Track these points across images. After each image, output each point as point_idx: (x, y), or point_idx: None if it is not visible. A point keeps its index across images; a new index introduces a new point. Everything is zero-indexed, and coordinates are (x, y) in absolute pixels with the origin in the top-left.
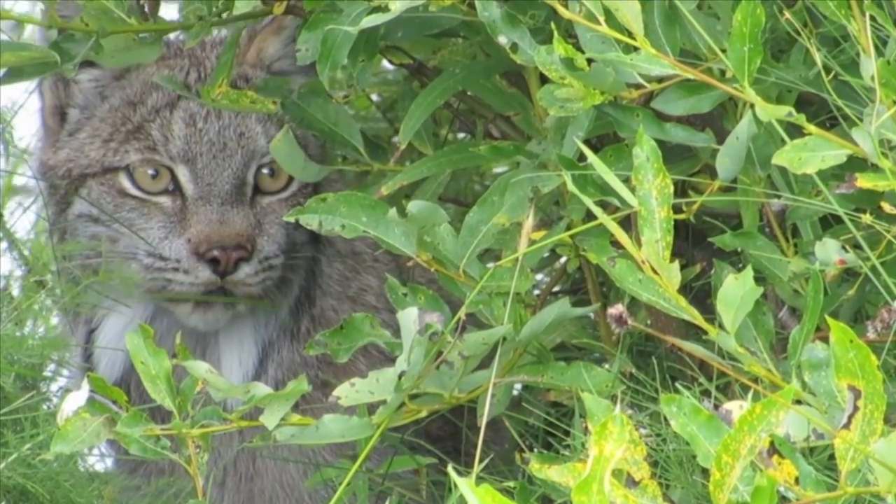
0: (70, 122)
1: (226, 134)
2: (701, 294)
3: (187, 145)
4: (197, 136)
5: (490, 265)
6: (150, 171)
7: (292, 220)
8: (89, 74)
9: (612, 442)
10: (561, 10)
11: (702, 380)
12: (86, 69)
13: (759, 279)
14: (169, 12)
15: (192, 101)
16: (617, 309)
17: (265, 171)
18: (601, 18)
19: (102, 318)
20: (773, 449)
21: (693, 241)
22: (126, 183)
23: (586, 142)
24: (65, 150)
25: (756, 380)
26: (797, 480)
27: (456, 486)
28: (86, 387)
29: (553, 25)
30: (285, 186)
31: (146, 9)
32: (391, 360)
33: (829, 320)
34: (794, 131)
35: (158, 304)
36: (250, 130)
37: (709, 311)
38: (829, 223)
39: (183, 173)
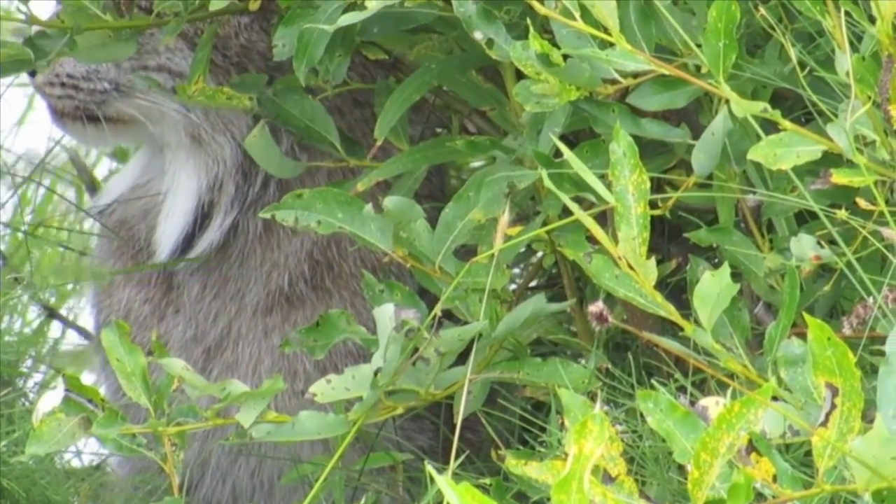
0: None
1: None
2: (676, 290)
3: None
4: None
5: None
6: None
7: (267, 216)
8: None
9: (591, 440)
10: (537, 6)
11: (678, 376)
12: None
13: (735, 275)
14: None
15: None
16: (597, 306)
17: None
18: (577, 14)
19: None
20: (751, 446)
21: (668, 237)
22: None
23: (562, 137)
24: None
25: (732, 376)
26: (775, 478)
27: (432, 482)
28: (61, 385)
29: (529, 21)
30: None
31: (122, 6)
32: None
33: (807, 317)
34: (770, 127)
35: None
36: None
37: (684, 307)
38: (804, 219)
39: None
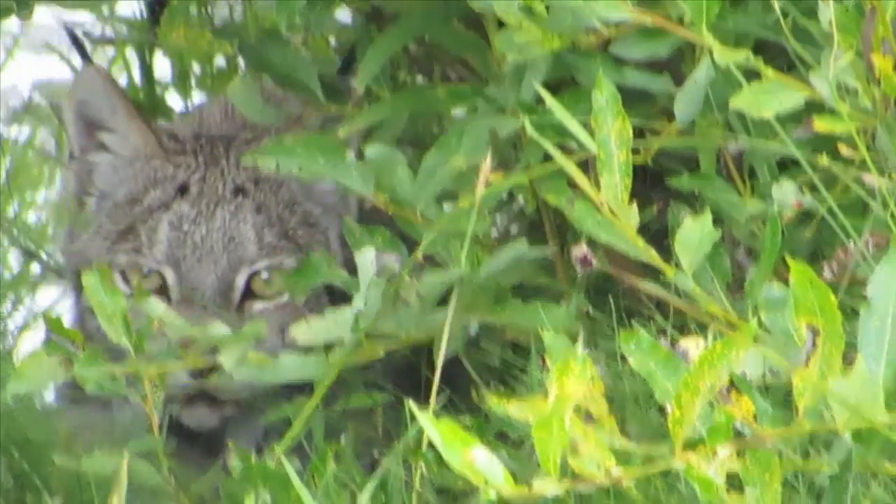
0: (88, 209)
1: (213, 237)
2: (658, 236)
3: (171, 249)
4: (182, 238)
5: (447, 207)
6: (145, 270)
7: (249, 162)
8: (104, 158)
9: (573, 380)
10: None
11: (658, 318)
12: (101, 152)
13: (717, 221)
14: None
15: (185, 202)
16: (581, 250)
17: (263, 276)
18: None
19: None
20: (731, 385)
21: (650, 184)
22: (118, 281)
23: (545, 86)
24: (78, 242)
25: (712, 318)
26: (755, 417)
27: (413, 420)
28: (42, 327)
29: None
30: (282, 291)
31: None
32: None
33: (790, 260)
34: (752, 76)
35: None
36: (242, 236)
37: (665, 252)
38: (786, 166)
39: (170, 276)
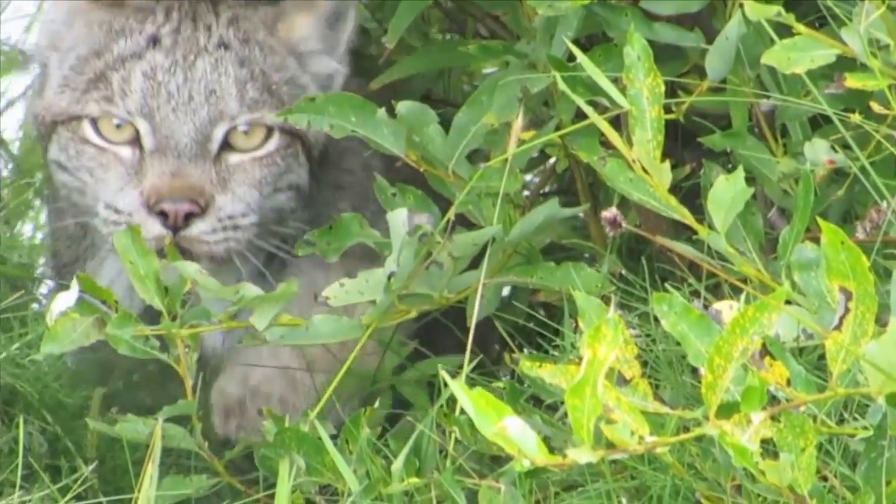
0: (51, 69)
1: (192, 87)
2: (690, 195)
3: (144, 99)
4: (156, 88)
5: (480, 166)
6: (115, 121)
7: (281, 119)
8: (61, 10)
9: (605, 345)
10: None
11: (691, 280)
12: (58, 2)
13: (749, 179)
14: None
15: (159, 52)
16: (611, 212)
17: (242, 129)
18: None
19: (104, 259)
20: (765, 350)
21: (682, 142)
22: (88, 130)
23: (575, 42)
24: (44, 97)
25: (745, 280)
26: (788, 382)
27: (446, 386)
28: (75, 287)
29: None
30: (261, 144)
31: None
32: None
33: (821, 222)
34: (784, 31)
35: None
36: (223, 90)
37: (698, 212)
38: (818, 123)
39: (143, 126)
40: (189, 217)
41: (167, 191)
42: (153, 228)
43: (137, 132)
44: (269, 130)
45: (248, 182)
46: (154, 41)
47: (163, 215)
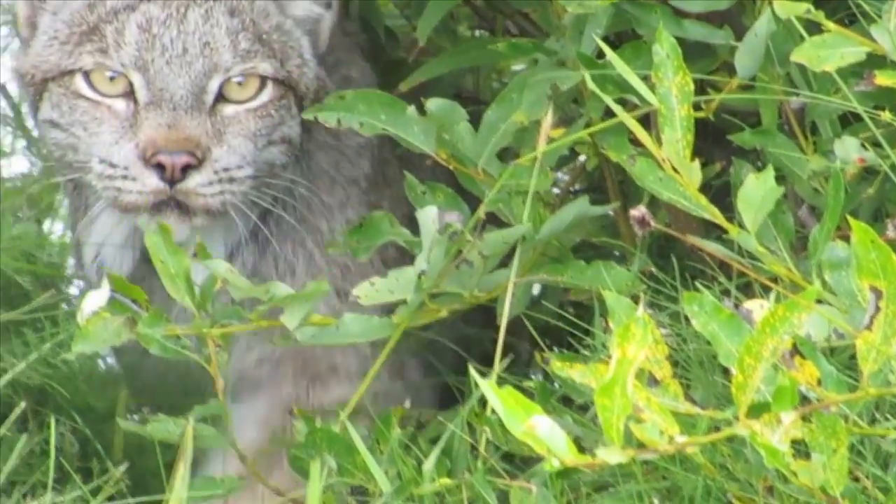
0: (41, 28)
1: (186, 40)
2: (720, 193)
3: (138, 52)
4: (150, 41)
5: (509, 163)
6: (108, 74)
7: (310, 117)
8: None
9: (634, 344)
10: None
11: (721, 279)
12: None
13: (779, 178)
14: None
15: (154, 4)
16: (639, 210)
17: (236, 80)
18: None
19: (95, 217)
20: (795, 349)
21: (712, 140)
22: (81, 84)
23: (605, 39)
24: (31, 55)
25: (776, 279)
26: (819, 381)
27: (476, 386)
28: (106, 286)
29: None
30: (255, 95)
31: None
32: None
33: (851, 220)
34: (813, 28)
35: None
36: (216, 41)
37: (728, 210)
38: (848, 121)
39: (137, 79)
40: (186, 169)
41: (163, 143)
42: (150, 181)
43: (131, 85)
44: (263, 81)
45: (243, 133)
46: None
47: (159, 168)
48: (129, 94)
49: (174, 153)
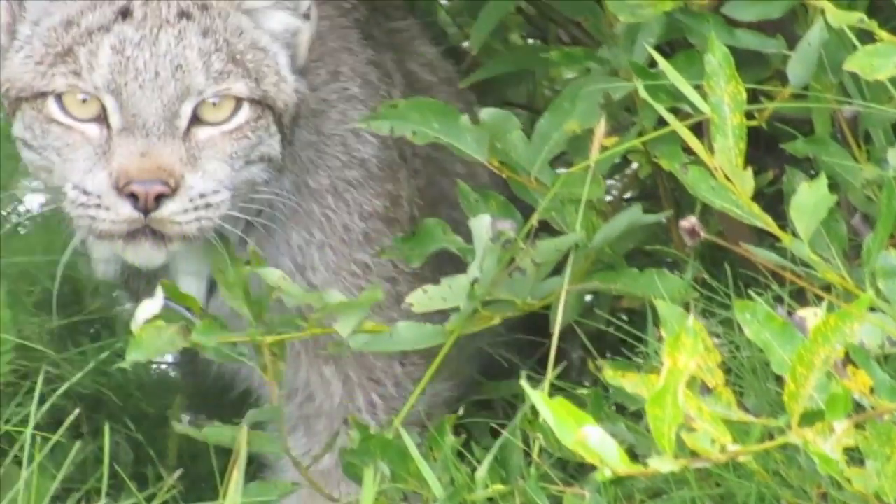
0: (19, 38)
1: (158, 63)
2: (773, 201)
3: (111, 74)
4: (124, 63)
5: (562, 171)
6: (81, 96)
7: (364, 125)
8: None
9: (685, 353)
10: None
11: (774, 287)
12: None
13: (832, 186)
14: None
15: (129, 26)
16: (689, 221)
17: (211, 101)
18: None
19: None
20: (848, 358)
21: (765, 149)
22: (54, 108)
23: (657, 48)
24: (7, 68)
25: (829, 287)
26: (872, 389)
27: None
28: (160, 294)
29: None
30: (230, 116)
31: None
32: None
33: None
34: (866, 37)
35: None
36: (188, 64)
37: (780, 218)
38: None
39: (110, 103)
40: (160, 198)
41: (136, 172)
42: (123, 210)
43: (104, 109)
44: (238, 102)
45: (218, 157)
46: (124, 14)
47: (133, 197)
48: (102, 118)
49: (147, 182)
